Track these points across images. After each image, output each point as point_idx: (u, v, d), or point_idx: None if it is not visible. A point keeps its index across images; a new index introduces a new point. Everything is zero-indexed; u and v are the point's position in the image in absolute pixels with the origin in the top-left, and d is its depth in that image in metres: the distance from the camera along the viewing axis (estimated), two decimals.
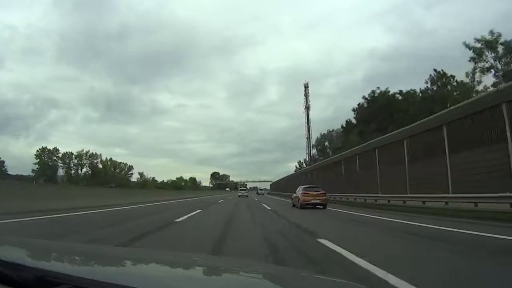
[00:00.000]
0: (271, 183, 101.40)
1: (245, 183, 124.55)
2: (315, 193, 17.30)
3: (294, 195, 19.33)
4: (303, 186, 18.36)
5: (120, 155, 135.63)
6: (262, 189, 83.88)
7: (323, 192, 17.55)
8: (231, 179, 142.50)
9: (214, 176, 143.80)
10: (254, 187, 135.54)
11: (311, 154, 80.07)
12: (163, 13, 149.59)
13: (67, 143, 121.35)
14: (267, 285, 1.23)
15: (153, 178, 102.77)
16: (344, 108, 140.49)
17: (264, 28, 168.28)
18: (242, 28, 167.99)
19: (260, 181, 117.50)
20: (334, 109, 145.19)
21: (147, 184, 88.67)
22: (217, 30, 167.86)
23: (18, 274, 0.95)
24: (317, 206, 16.97)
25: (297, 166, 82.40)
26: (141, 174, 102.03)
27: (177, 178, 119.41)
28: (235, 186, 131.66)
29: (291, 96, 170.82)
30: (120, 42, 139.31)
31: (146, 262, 1.50)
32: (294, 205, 18.89)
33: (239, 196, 46.56)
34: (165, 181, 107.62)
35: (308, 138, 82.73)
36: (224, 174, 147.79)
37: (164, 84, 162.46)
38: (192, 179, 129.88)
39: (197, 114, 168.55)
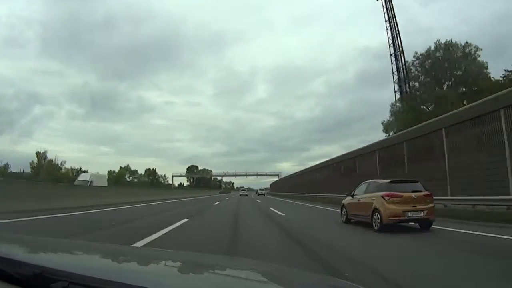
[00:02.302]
0: (271, 182, 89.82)
1: (231, 181, 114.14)
2: (413, 196, 7.91)
3: (349, 200, 9.88)
4: (383, 182, 8.79)
5: (106, 154, 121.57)
6: (262, 189, 67.39)
7: (427, 193, 8.17)
8: (214, 174, 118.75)
9: (191, 169, 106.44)
10: (241, 186, 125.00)
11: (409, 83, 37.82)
12: (151, 3, 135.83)
13: (51, 140, 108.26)
14: (268, 284, 1.20)
15: (62, 162, 63.14)
16: (333, 108, 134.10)
17: (255, 23, 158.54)
18: (232, 23, 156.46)
19: (257, 175, 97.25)
20: (322, 109, 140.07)
21: (41, 173, 54.46)
22: (206, 23, 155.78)
23: (16, 271, 0.94)
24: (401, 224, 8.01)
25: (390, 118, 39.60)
26: (40, 154, 58.52)
27: (121, 167, 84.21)
28: (219, 184, 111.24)
29: (280, 95, 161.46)
30: (105, 34, 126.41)
31: (144, 260, 1.47)
32: (349, 220, 9.63)
33: (240, 195, 51.12)
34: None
35: (400, 62, 38.61)
36: (204, 169, 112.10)
37: (151, 80, 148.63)
38: (151, 172, 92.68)
39: (184, 112, 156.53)
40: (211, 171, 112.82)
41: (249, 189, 79.68)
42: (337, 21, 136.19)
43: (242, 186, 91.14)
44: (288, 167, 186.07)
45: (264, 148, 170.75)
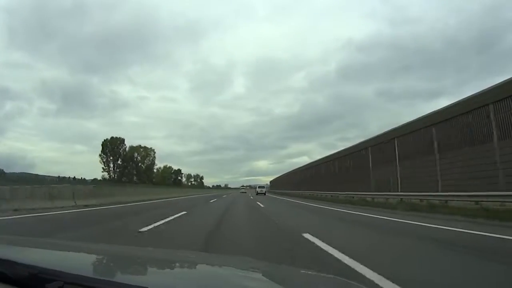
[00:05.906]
0: (271, 179, 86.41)
1: (200, 176, 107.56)
2: None
3: None
4: None
5: (81, 153, 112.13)
6: (262, 187, 55.33)
7: None
8: (183, 171, 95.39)
9: (112, 145, 62.30)
10: (217, 185, 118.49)
11: None
12: None
13: (25, 138, 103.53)
14: (268, 283, 1.16)
15: None
16: (313, 104, 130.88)
17: (233, 10, 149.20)
18: (209, 9, 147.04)
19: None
20: (302, 105, 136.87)
21: None
22: (181, 10, 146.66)
23: (12, 271, 0.93)
24: None
25: None
26: None
27: None
28: (175, 178, 79.91)
29: (258, 90, 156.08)
30: (75, 21, 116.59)
31: (139, 259, 1.46)
32: None
33: (240, 192, 54.99)
34: None
35: None
36: (140, 146, 68.88)
37: (124, 74, 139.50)
38: None
39: (159, 108, 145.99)
40: (152, 150, 71.84)
41: (227, 187, 77.82)
42: (319, 10, 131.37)
43: (242, 188, 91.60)
44: (265, 165, 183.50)
45: (241, 146, 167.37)
